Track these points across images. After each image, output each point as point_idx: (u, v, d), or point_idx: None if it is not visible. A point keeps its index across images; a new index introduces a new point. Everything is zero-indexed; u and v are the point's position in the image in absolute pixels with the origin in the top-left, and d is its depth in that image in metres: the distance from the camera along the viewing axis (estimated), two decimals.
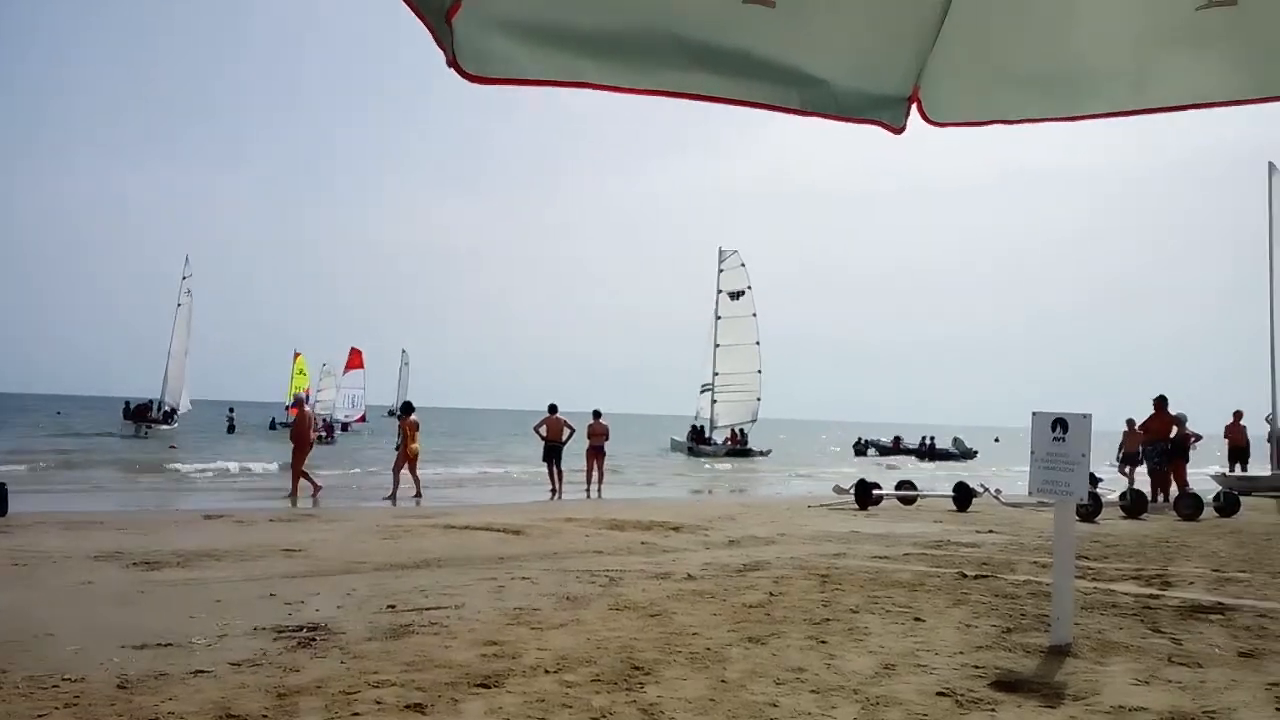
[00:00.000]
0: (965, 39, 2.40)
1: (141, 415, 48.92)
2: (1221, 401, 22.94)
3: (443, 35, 2.01)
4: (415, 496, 18.41)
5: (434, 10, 1.96)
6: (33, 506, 14.13)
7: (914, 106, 2.54)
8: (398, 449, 19.25)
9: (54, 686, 4.75)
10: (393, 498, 18.31)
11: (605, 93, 2.28)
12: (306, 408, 19.58)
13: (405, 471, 18.72)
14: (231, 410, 55.64)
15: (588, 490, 21.00)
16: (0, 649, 5.45)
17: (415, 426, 19.18)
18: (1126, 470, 21.13)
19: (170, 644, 5.67)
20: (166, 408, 50.22)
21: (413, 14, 1.89)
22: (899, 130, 2.53)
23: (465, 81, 2.05)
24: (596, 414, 21.99)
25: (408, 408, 19.97)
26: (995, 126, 2.55)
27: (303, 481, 18.32)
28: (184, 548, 9.78)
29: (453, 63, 2.04)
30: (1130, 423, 21.08)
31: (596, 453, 21.72)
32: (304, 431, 18.59)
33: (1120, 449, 21.03)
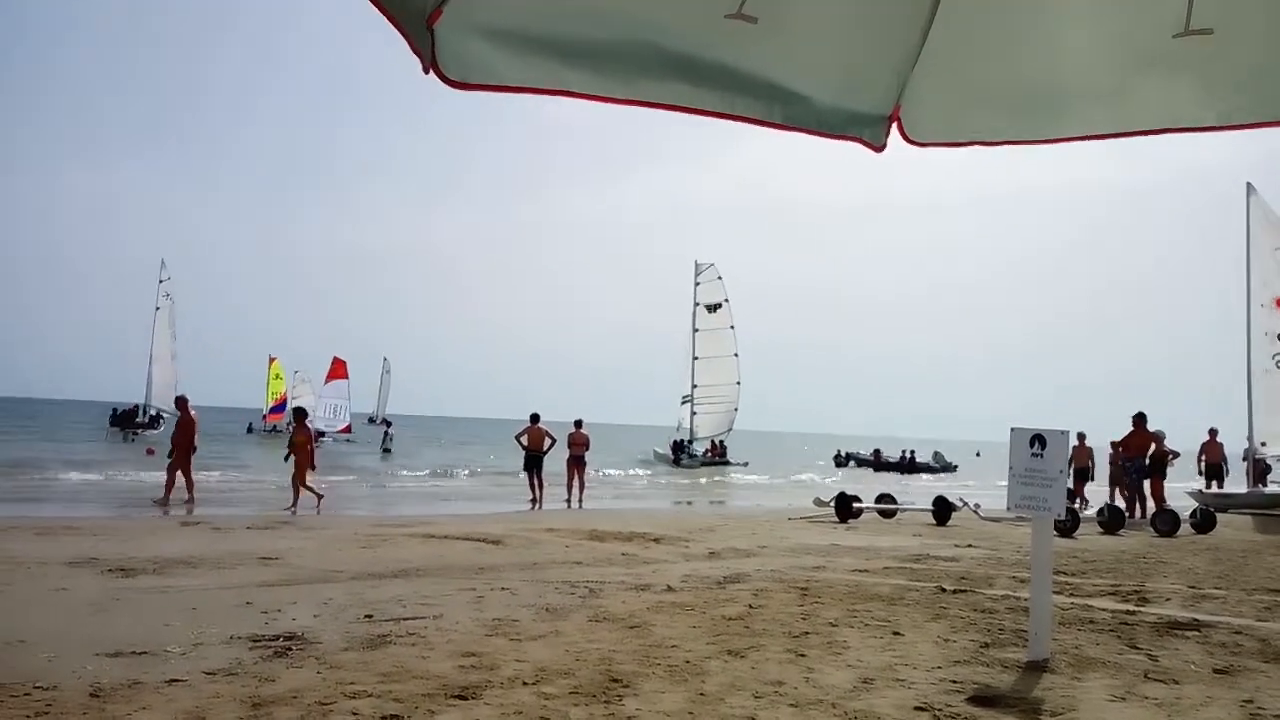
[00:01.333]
0: (946, 60, 2.42)
1: (128, 421, 48.61)
2: (1206, 421, 23.22)
3: (420, 41, 2.01)
4: (290, 508, 16.94)
5: (414, 16, 1.96)
6: (7, 512, 13.99)
7: (894, 125, 2.56)
8: (287, 458, 17.94)
9: (25, 694, 4.70)
10: (293, 507, 17.01)
11: (587, 101, 2.29)
12: (192, 411, 17.73)
13: (308, 480, 17.65)
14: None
15: (568, 500, 20.97)
16: None
17: (310, 434, 18.35)
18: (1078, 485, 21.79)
19: (145, 652, 5.62)
20: (152, 412, 49.94)
21: (387, 21, 1.89)
22: (879, 148, 2.54)
23: (446, 87, 2.06)
24: (578, 423, 21.96)
25: (300, 413, 19.22)
26: (975, 147, 2.58)
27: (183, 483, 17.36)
28: (160, 555, 9.70)
29: (431, 68, 2.04)
30: (1081, 436, 21.95)
31: (577, 462, 21.67)
32: (188, 435, 17.32)
33: (1070, 464, 21.54)
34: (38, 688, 4.82)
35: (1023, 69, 2.48)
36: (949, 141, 2.60)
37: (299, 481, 17.55)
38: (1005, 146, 2.56)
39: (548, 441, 21.00)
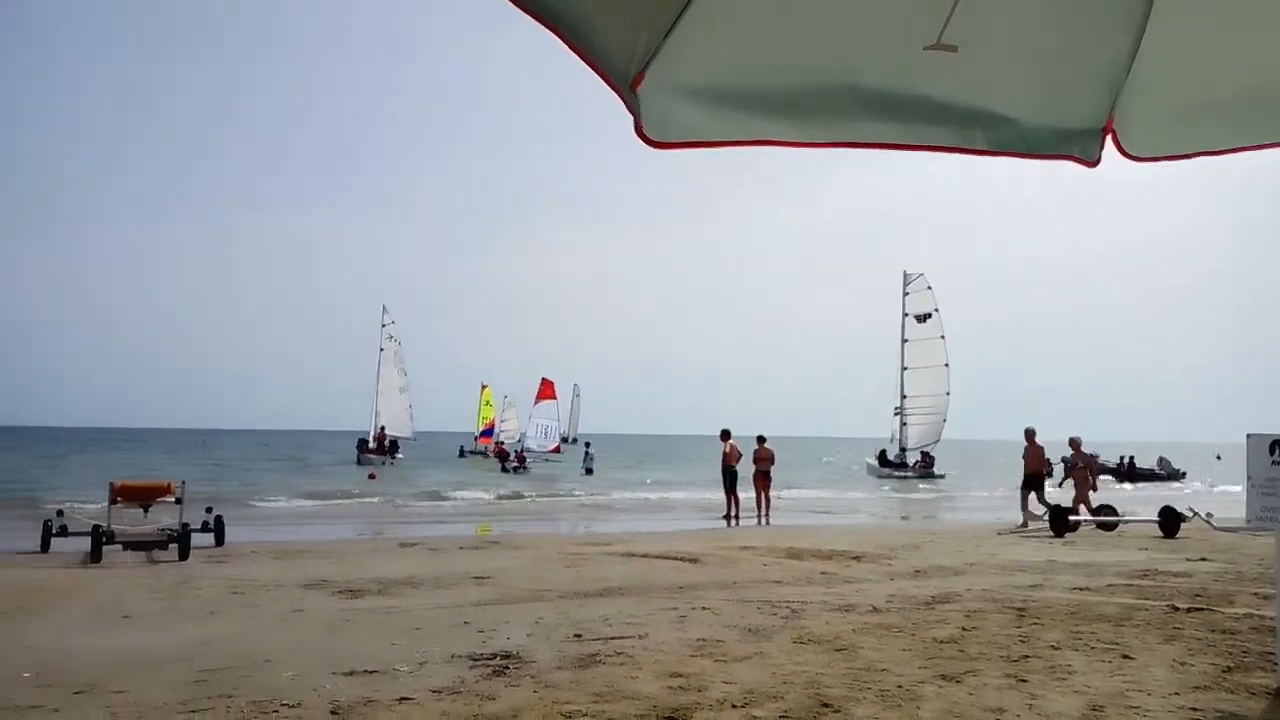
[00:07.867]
0: (1162, 67, 2.27)
1: (380, 448, 52.39)
2: None
3: (631, 102, 2.08)
4: None
5: (621, 80, 2.03)
6: (245, 536, 15.26)
7: (1109, 139, 2.42)
8: None
9: (274, 711, 5.10)
10: None
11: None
12: None
13: None
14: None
15: (758, 517, 20.81)
16: (227, 674, 5.90)
17: None
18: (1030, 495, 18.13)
19: (376, 671, 5.98)
20: (389, 441, 53.87)
21: (605, 85, 1.97)
22: (1093, 164, 2.41)
23: (650, 149, 2.12)
24: (761, 439, 21.71)
25: None
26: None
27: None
28: (383, 576, 10.31)
29: (638, 129, 2.10)
30: (1029, 433, 18.49)
31: (763, 478, 21.49)
32: None
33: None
34: (284, 704, 5.22)
35: (1247, 70, 2.29)
36: (1171, 154, 2.43)
37: None
38: (1233, 155, 2.37)
39: (738, 456, 21.07)
